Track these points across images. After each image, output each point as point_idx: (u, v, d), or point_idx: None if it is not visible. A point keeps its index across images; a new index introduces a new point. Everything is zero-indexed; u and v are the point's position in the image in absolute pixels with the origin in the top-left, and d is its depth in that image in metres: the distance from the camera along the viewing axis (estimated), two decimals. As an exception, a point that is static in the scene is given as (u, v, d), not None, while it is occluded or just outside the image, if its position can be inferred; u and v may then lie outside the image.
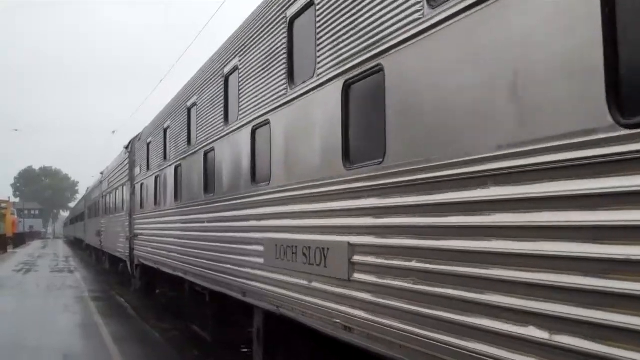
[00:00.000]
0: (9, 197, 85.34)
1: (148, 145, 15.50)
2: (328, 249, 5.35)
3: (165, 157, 13.15)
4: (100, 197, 29.90)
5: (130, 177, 18.48)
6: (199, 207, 10.00)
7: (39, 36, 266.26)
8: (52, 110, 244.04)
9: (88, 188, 43.07)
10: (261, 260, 6.95)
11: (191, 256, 10.41)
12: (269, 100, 6.89)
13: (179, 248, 11.35)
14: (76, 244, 56.86)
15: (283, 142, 6.56)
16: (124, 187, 19.98)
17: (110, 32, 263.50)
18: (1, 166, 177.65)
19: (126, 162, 19.75)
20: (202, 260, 9.63)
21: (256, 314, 7.46)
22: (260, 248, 7.02)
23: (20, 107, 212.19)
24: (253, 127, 7.39)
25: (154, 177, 14.38)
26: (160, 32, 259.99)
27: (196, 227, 10.18)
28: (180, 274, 11.43)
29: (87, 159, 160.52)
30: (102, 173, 30.05)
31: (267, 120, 6.93)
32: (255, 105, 7.32)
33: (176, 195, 11.88)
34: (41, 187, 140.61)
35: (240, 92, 7.90)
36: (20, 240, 67.88)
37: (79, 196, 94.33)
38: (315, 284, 5.59)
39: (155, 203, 14.17)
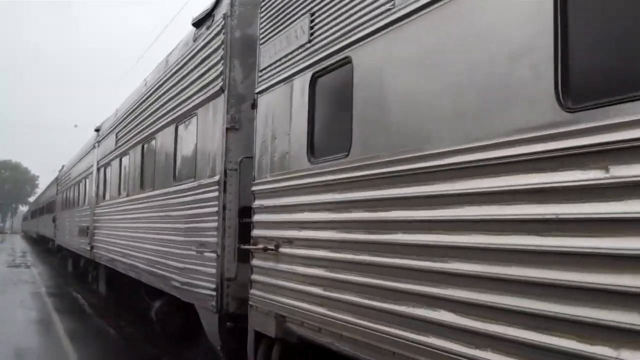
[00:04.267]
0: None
1: None
2: None
3: None
4: (93, 171, 17.48)
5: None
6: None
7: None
8: (11, 105, 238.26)
9: (63, 166, 30.34)
10: None
11: None
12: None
13: None
14: (38, 241, 54.64)
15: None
16: (214, 109, 7.38)
17: (78, 27, 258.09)
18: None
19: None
20: None
21: None
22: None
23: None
24: None
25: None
26: (124, 30, 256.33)
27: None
28: None
29: (48, 154, 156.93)
30: (100, 126, 17.50)
31: None
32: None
33: None
34: (0, 180, 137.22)
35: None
36: (-24, 234, 66.19)
37: (39, 190, 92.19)
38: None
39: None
